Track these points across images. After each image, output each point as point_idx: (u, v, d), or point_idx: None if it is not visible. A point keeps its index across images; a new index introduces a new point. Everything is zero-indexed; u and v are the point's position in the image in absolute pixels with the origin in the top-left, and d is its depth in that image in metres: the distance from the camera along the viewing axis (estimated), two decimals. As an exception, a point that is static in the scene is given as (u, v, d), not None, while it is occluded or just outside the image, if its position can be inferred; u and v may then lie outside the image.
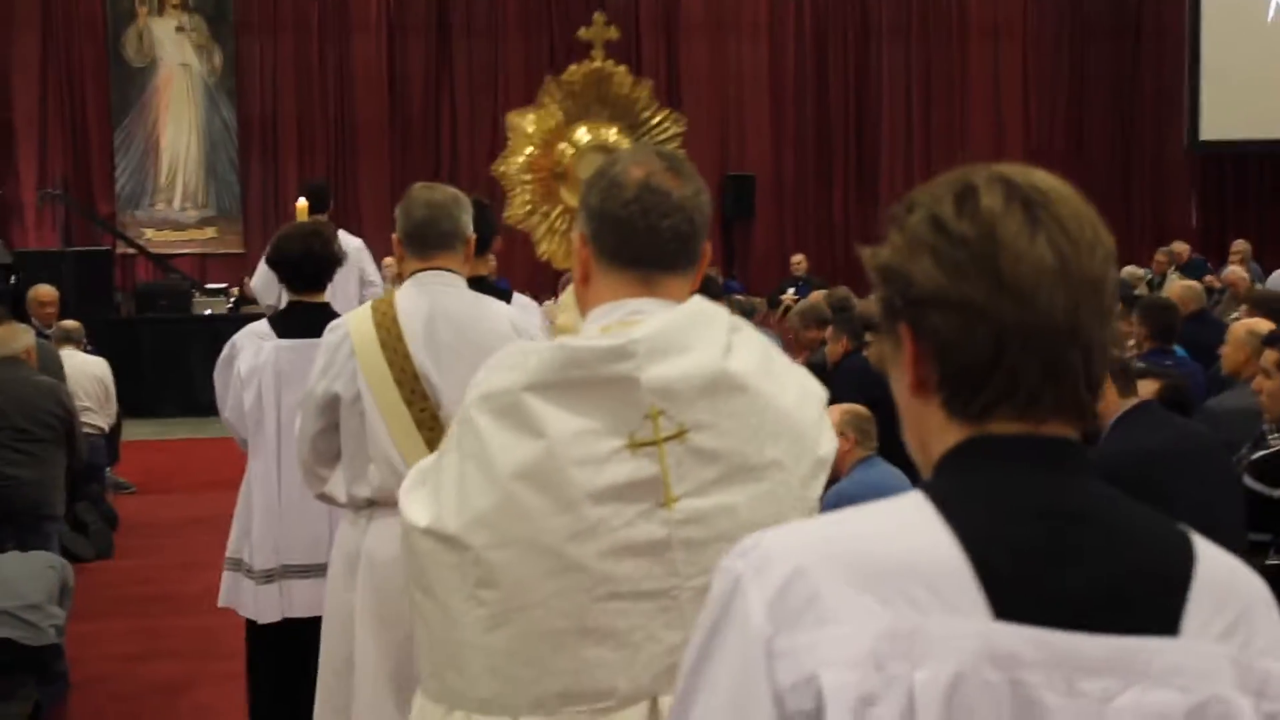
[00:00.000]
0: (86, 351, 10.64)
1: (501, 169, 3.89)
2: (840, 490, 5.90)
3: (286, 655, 5.02)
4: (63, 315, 13.97)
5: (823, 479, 2.48)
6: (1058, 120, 22.71)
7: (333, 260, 5.12)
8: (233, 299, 16.55)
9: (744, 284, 20.04)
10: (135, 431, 13.92)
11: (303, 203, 9.60)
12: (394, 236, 3.97)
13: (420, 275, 3.92)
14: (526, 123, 3.85)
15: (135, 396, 14.52)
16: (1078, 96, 22.69)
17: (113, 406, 10.32)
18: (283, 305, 5.80)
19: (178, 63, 20.09)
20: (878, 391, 7.75)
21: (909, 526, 1.35)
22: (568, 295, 2.84)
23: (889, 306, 1.43)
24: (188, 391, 14.33)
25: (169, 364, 15.00)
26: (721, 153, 21.73)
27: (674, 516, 2.33)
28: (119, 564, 9.06)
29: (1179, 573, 1.38)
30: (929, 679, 1.29)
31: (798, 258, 19.42)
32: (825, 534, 1.37)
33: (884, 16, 22.14)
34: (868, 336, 7.67)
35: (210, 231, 20.11)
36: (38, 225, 19.77)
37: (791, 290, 18.39)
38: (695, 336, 2.34)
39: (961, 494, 1.37)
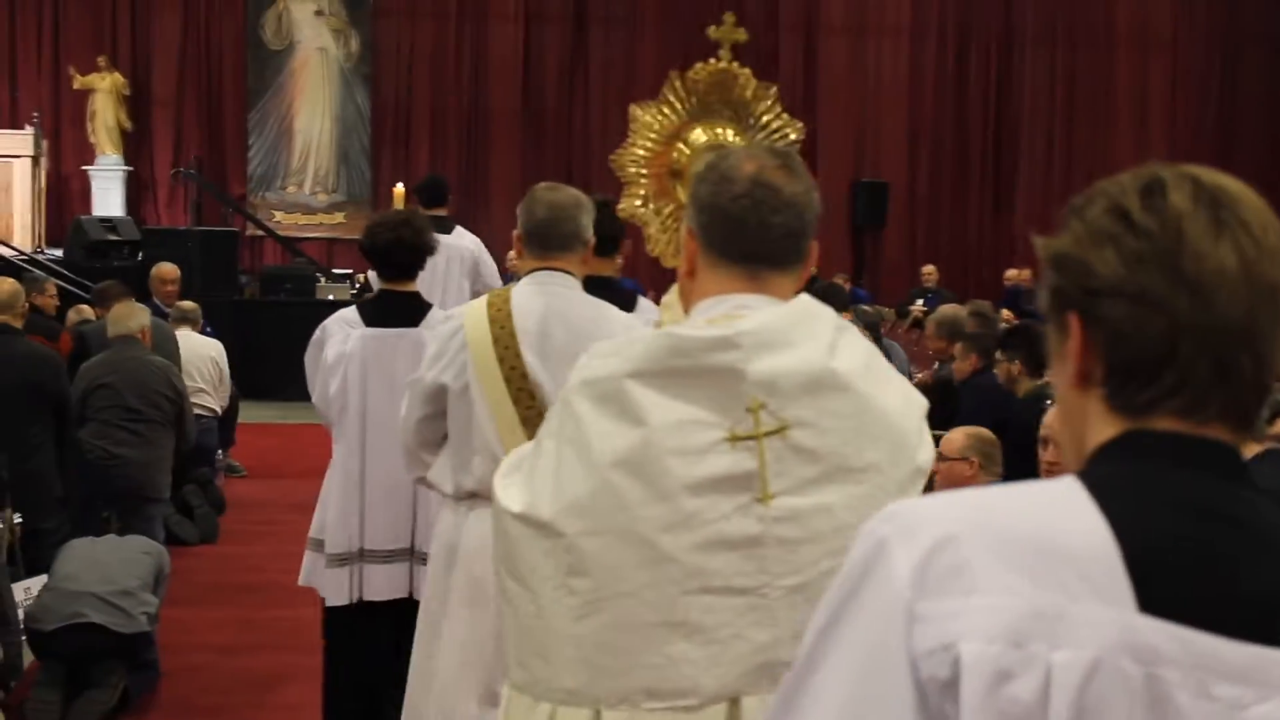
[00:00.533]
0: (204, 333, 10.57)
1: (618, 160, 3.91)
2: None
3: (362, 637, 5.06)
4: (186, 295, 13.95)
5: (919, 487, 2.43)
6: (1206, 133, 22.11)
7: (424, 250, 5.12)
8: (357, 285, 16.48)
9: (872, 293, 19.69)
10: (253, 415, 13.89)
11: (399, 189, 9.57)
12: (515, 233, 3.99)
13: (538, 274, 3.92)
14: (649, 116, 3.84)
15: (255, 380, 14.54)
16: (1228, 108, 22.08)
17: (226, 389, 10.24)
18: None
19: (315, 46, 20.23)
20: (1004, 412, 7.49)
21: (1062, 508, 1.33)
22: (672, 294, 2.82)
23: (1061, 295, 1.41)
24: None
25: (290, 348, 14.73)
26: (855, 159, 21.50)
27: (770, 513, 2.31)
28: (222, 549, 8.96)
29: None
30: (1067, 662, 1.27)
31: (928, 268, 19.00)
32: (977, 505, 1.35)
33: (1029, 23, 21.68)
34: (998, 355, 7.34)
35: (339, 216, 20.16)
36: (169, 204, 19.95)
37: (920, 301, 18.12)
38: (801, 333, 2.33)
39: (1117, 483, 1.35)
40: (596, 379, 2.34)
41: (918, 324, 17.34)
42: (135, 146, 19.98)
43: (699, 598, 2.29)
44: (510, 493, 2.42)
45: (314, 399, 5.21)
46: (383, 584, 5.01)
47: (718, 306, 2.39)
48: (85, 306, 10.73)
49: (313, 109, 20.28)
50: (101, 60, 19.57)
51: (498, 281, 8.97)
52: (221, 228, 17.13)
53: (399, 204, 9.32)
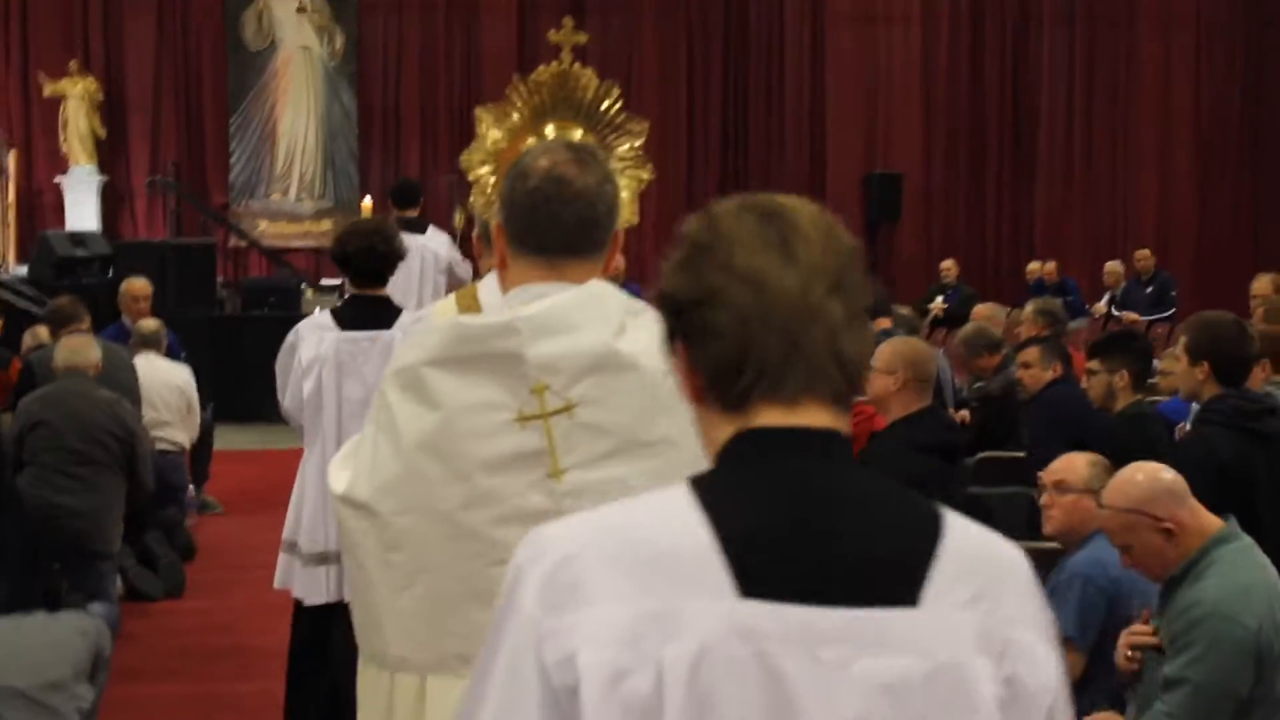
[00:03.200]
0: (171, 356, 9.55)
1: (467, 160, 4.01)
2: (1076, 564, 4.72)
3: (331, 636, 5.09)
4: (160, 312, 13.00)
5: None
6: (1231, 114, 21.20)
7: (394, 257, 5.34)
8: (345, 297, 15.49)
9: (889, 291, 18.73)
10: (232, 440, 12.91)
11: (367, 201, 10.56)
12: (474, 233, 4.29)
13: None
14: (493, 116, 3.34)
15: (235, 402, 13.63)
16: (1253, 89, 21.17)
17: (196, 420, 9.25)
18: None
19: (298, 45, 19.32)
20: (1081, 430, 6.50)
21: (669, 515, 1.48)
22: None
23: (666, 330, 1.59)
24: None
25: (273, 367, 13.93)
26: (867, 150, 20.73)
27: (560, 488, 2.45)
28: (188, 605, 7.94)
29: (923, 548, 1.49)
30: (676, 654, 1.41)
31: (947, 263, 18.04)
32: (593, 524, 1.50)
33: (1045, 3, 20.76)
34: (1090, 365, 6.35)
35: (326, 224, 19.17)
36: (148, 215, 19.06)
37: (940, 299, 17.33)
38: (585, 316, 2.47)
39: (720, 484, 1.51)
40: (402, 368, 2.52)
41: (938, 322, 16.40)
42: (110, 155, 19.01)
43: (499, 568, 2.17)
44: (338, 476, 2.59)
45: (285, 403, 5.39)
46: None
47: (521, 295, 2.55)
48: (42, 329, 9.70)
49: (297, 111, 19.34)
50: (73, 65, 18.57)
51: (469, 278, 8.81)
52: (195, 239, 16.13)
53: (365, 215, 9.85)
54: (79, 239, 14.71)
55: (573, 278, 2.55)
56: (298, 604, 5.32)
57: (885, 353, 5.63)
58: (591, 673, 1.41)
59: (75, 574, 6.91)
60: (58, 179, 18.73)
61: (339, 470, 2.62)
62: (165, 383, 8.92)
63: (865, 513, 1.49)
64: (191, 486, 9.78)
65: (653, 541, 1.46)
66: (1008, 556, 1.54)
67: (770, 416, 1.52)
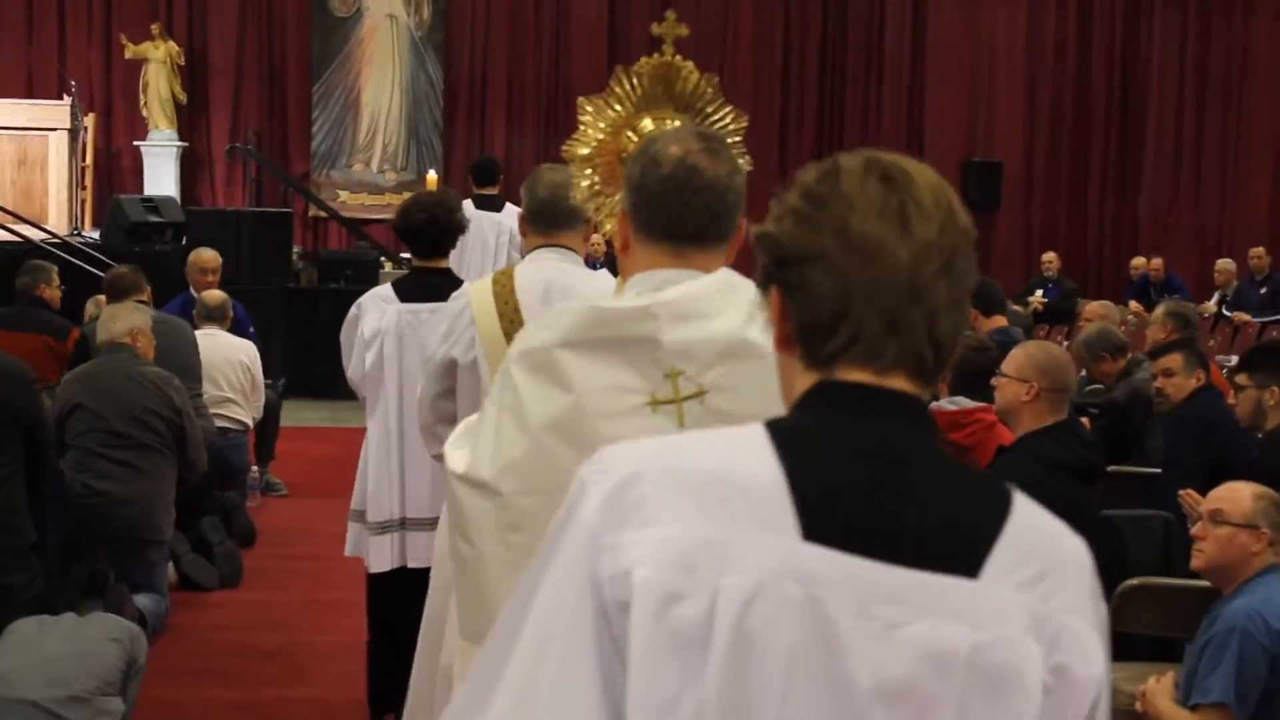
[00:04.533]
0: (239, 331, 9.06)
1: (569, 150, 3.83)
2: (1234, 614, 4.19)
3: (406, 604, 4.89)
4: (234, 283, 12.58)
5: None
6: (1354, 107, 20.16)
7: (455, 229, 5.39)
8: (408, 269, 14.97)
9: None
10: (302, 417, 12.50)
11: (433, 175, 11.10)
12: (518, 213, 4.20)
13: (540, 251, 4.10)
14: (595, 108, 3.79)
15: (307, 376, 13.33)
16: (1374, 81, 20.14)
17: (260, 397, 8.75)
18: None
19: (384, 13, 18.84)
20: (1218, 447, 5.84)
21: (742, 450, 1.48)
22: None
23: (763, 270, 1.57)
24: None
25: (349, 341, 13.46)
26: (967, 136, 20.10)
27: None
28: (244, 595, 7.45)
29: (989, 523, 1.49)
30: (732, 585, 1.40)
31: (1049, 256, 17.41)
32: (664, 447, 1.50)
33: (1157, -13, 19.88)
34: (1237, 379, 5.71)
35: (409, 196, 18.69)
36: (227, 183, 18.68)
37: (1040, 292, 16.79)
38: (718, 304, 2.53)
39: (796, 428, 1.51)
40: (531, 349, 2.55)
41: (1038, 318, 15.70)
42: (190, 121, 18.65)
43: None
44: (456, 456, 2.63)
45: (348, 373, 5.45)
46: (426, 550, 5.05)
47: (646, 281, 2.59)
48: (104, 298, 9.24)
49: (381, 81, 18.86)
50: (155, 28, 18.19)
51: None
52: (272, 208, 15.70)
53: (431, 188, 9.67)
54: (152, 204, 14.28)
55: (699, 265, 2.58)
56: (368, 574, 5.46)
57: (1018, 358, 5.05)
58: (645, 591, 1.40)
59: (123, 563, 6.43)
60: (137, 143, 18.41)
61: (455, 449, 2.66)
62: (228, 358, 8.45)
63: (937, 479, 1.49)
64: (255, 467, 9.30)
65: (722, 472, 1.45)
66: (1071, 546, 1.53)
67: (855, 375, 1.51)
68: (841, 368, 1.51)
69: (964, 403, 5.80)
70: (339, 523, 8.93)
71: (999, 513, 1.49)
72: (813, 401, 1.53)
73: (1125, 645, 4.75)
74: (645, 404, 2.49)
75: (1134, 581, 4.93)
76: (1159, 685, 4.33)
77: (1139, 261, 17.44)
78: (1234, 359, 8.55)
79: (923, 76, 19.84)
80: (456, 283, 5.23)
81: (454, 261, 5.67)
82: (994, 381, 5.17)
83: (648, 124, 3.70)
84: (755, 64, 19.53)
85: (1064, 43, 19.98)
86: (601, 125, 3.70)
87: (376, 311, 5.33)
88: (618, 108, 3.70)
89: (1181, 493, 5.55)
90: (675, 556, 1.41)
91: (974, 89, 19.97)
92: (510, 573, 2.49)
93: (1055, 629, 1.46)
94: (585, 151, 3.68)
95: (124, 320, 6.53)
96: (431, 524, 5.01)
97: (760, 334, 2.47)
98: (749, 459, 1.46)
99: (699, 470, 1.46)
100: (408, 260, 15.07)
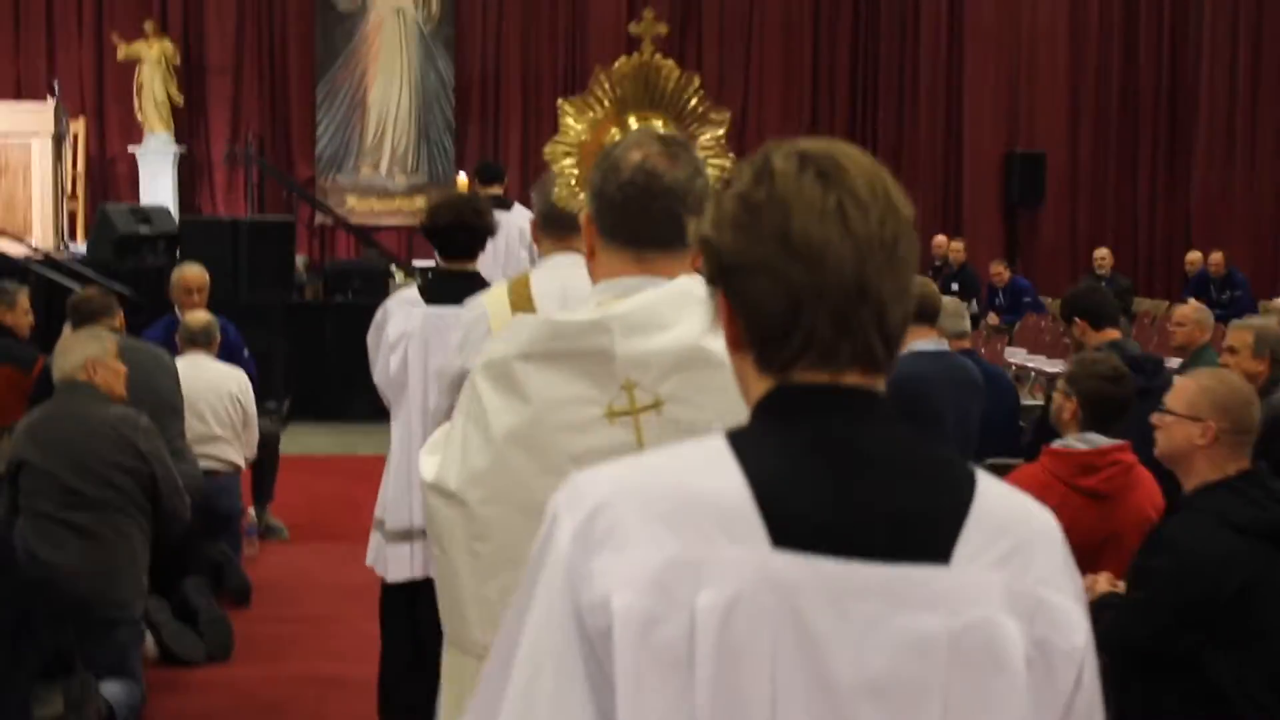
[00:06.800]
0: (230, 353, 8.03)
1: (551, 152, 3.60)
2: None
3: (419, 615, 4.88)
4: (232, 297, 11.58)
5: None
6: None
7: (484, 231, 5.35)
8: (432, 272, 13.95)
9: (1032, 279, 17.11)
10: (308, 442, 11.49)
11: (463, 178, 10.28)
12: (529, 219, 4.25)
13: (555, 258, 4.02)
14: (575, 109, 3.59)
15: (312, 397, 12.45)
16: None
17: (254, 434, 7.71)
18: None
19: (391, 7, 18.05)
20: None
21: (704, 465, 1.50)
22: None
23: (707, 274, 1.60)
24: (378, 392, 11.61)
25: (355, 358, 12.36)
26: (1008, 127, 19.31)
27: None
28: (236, 673, 6.37)
29: (955, 505, 1.51)
30: (709, 602, 1.42)
31: (1101, 252, 16.52)
32: (631, 471, 1.52)
33: (1209, -34, 19.00)
34: None
35: (419, 201, 17.80)
36: (227, 189, 17.80)
37: None
38: (675, 314, 2.53)
39: (756, 436, 1.53)
40: (492, 361, 2.58)
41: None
42: (188, 124, 17.80)
43: None
44: (427, 464, 2.68)
45: (375, 378, 5.37)
46: None
47: (609, 289, 2.61)
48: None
49: (389, 79, 18.01)
50: (148, 26, 17.36)
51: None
52: (275, 217, 14.72)
53: (460, 190, 9.55)
54: (142, 214, 13.31)
55: (662, 271, 2.61)
56: (384, 583, 5.33)
57: (1189, 391, 4.07)
58: (624, 617, 1.42)
59: (86, 645, 5.41)
60: (132, 149, 17.53)
61: (428, 457, 2.70)
62: (215, 389, 7.40)
63: (899, 469, 1.51)
64: (251, 510, 8.27)
65: (688, 490, 1.47)
66: (1039, 518, 1.55)
67: (810, 377, 1.53)
68: (796, 372, 1.53)
69: (1097, 440, 4.78)
70: (345, 571, 8.00)
71: (964, 494, 1.52)
72: (770, 408, 1.55)
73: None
74: (602, 415, 2.52)
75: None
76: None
77: (1194, 257, 16.72)
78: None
79: (960, 64, 19.07)
80: (483, 286, 5.19)
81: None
82: (1156, 420, 4.15)
83: (632, 123, 3.60)
84: (784, 56, 18.69)
85: (1109, 29, 19.19)
86: (581, 127, 3.59)
87: (402, 315, 5.27)
88: (598, 108, 3.57)
89: None
90: (650, 580, 1.43)
91: (1014, 76, 19.18)
92: (480, 581, 2.57)
93: (1033, 604, 1.48)
94: (566, 152, 3.57)
95: (77, 352, 5.51)
96: None
97: (718, 343, 2.35)
98: (712, 473, 1.48)
99: (665, 490, 1.47)
100: (418, 269, 14.33)
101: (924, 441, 1.55)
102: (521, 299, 3.92)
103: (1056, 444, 4.88)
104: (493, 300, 3.97)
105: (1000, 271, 16.36)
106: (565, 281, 3.89)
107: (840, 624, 1.44)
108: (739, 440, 1.51)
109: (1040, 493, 4.91)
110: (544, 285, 3.93)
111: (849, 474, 1.48)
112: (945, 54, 19.02)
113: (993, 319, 15.48)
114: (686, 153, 2.66)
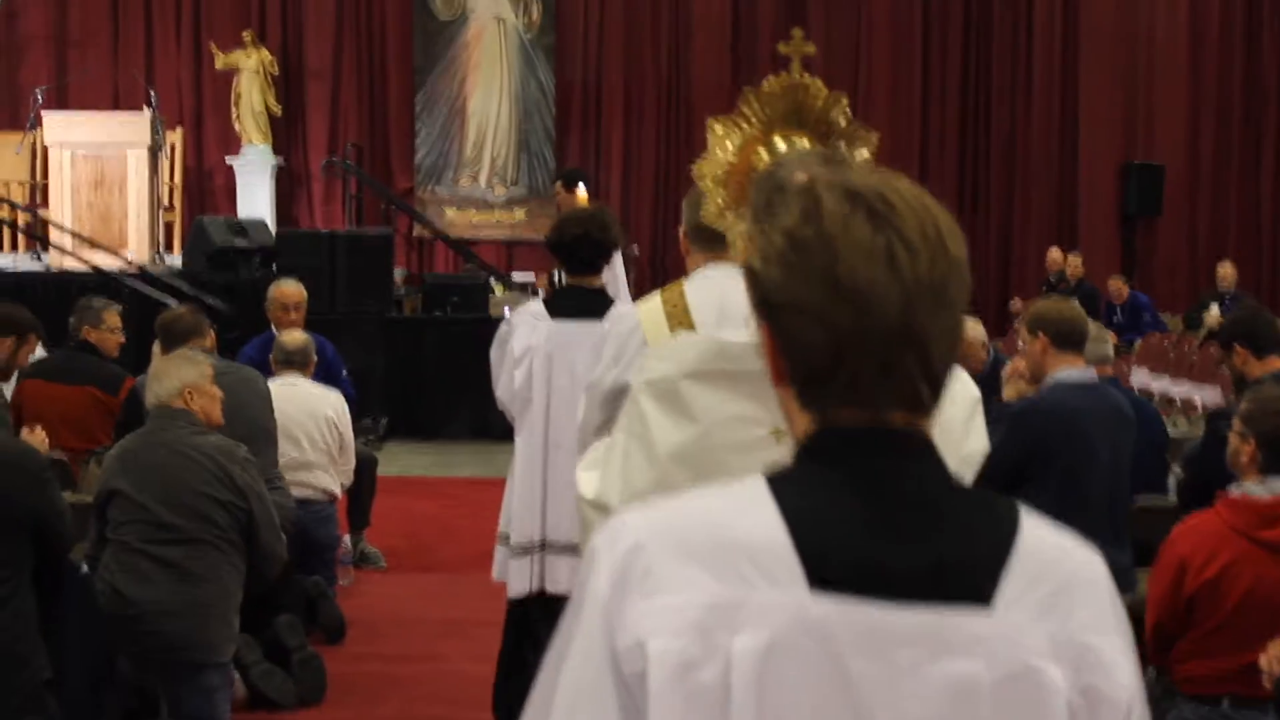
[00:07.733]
0: (329, 378, 7.68)
1: (698, 170, 3.51)
2: None
3: (541, 631, 4.91)
4: (328, 312, 11.30)
5: (967, 476, 2.54)
6: None
7: (609, 245, 5.39)
8: (538, 295, 13.57)
9: (1149, 295, 16.53)
10: (407, 462, 11.16)
11: (582, 191, 9.91)
12: (680, 230, 4.08)
13: (707, 269, 3.86)
14: (723, 129, 3.48)
15: (410, 416, 12.18)
16: None
17: (350, 459, 7.35)
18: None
19: (491, 15, 17.76)
20: None
21: (742, 507, 1.48)
22: None
23: (754, 306, 1.57)
24: (479, 410, 10.97)
25: (456, 375, 12.03)
26: (1125, 136, 18.67)
27: None
28: (327, 714, 5.95)
29: (998, 549, 1.48)
30: (746, 646, 1.40)
31: (1225, 267, 15.97)
32: (670, 512, 1.50)
33: (1338, -33, 18.33)
34: None
35: (519, 213, 17.56)
36: (325, 202, 17.60)
37: (1216, 307, 15.32)
38: None
39: (795, 478, 1.51)
40: (656, 379, 2.61)
41: (1213, 336, 14.08)
42: (286, 135, 17.61)
43: None
44: (586, 480, 2.74)
45: (498, 393, 5.45)
46: (566, 576, 5.10)
47: None
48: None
49: (489, 88, 17.72)
50: (247, 35, 17.19)
51: (620, 269, 8.71)
52: (372, 229, 14.44)
53: (581, 204, 9.27)
54: (238, 227, 13.06)
55: None
56: (507, 598, 5.36)
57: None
58: (660, 661, 1.40)
59: (170, 689, 5.08)
60: (229, 160, 17.34)
61: (586, 472, 2.78)
62: (311, 413, 7.04)
63: (941, 513, 1.49)
64: (346, 538, 7.92)
65: (725, 531, 1.46)
66: (1082, 560, 1.53)
67: (852, 417, 1.51)
68: (838, 410, 1.51)
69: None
70: (445, 605, 7.63)
71: (1007, 536, 1.49)
72: (811, 448, 1.53)
73: None
74: (769, 435, 2.52)
75: None
76: None
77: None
78: None
79: (1075, 72, 18.50)
80: (608, 301, 5.39)
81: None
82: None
83: (778, 142, 3.49)
84: (892, 66, 18.23)
85: (1230, 33, 18.62)
86: (729, 145, 3.48)
87: (527, 328, 5.33)
88: (745, 127, 3.44)
89: None
90: (686, 623, 1.41)
91: (1131, 84, 18.60)
92: None
93: (1077, 651, 1.46)
94: (714, 171, 3.44)
95: (173, 377, 5.16)
96: (572, 549, 5.09)
97: None
98: (751, 514, 1.47)
99: (702, 532, 1.45)
100: (518, 284, 14.01)
101: (969, 486, 1.56)
102: (678, 310, 3.88)
103: (1233, 491, 4.40)
104: (647, 312, 3.90)
105: (1120, 287, 15.82)
106: (723, 293, 3.81)
107: (879, 669, 1.42)
108: (778, 481, 1.50)
109: (1216, 546, 4.45)
110: (700, 297, 3.87)
111: (889, 516, 1.46)
112: (1059, 63, 18.50)
113: (1111, 338, 14.92)
114: (849, 170, 2.54)
